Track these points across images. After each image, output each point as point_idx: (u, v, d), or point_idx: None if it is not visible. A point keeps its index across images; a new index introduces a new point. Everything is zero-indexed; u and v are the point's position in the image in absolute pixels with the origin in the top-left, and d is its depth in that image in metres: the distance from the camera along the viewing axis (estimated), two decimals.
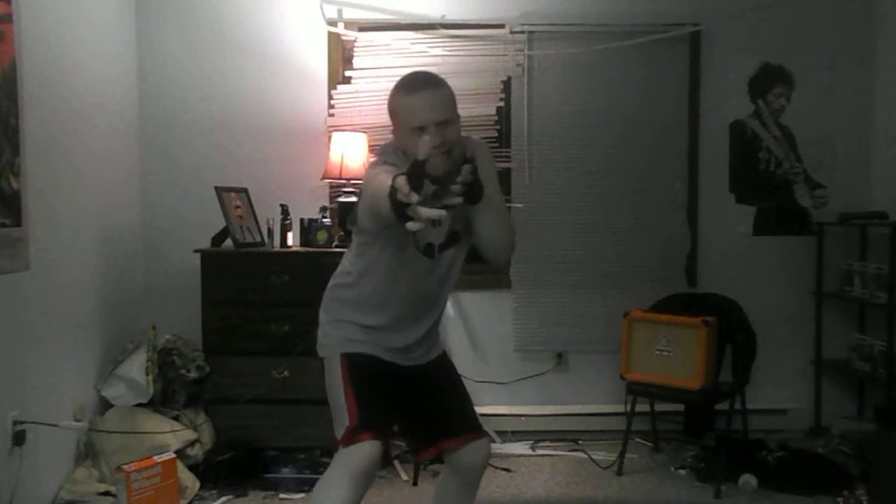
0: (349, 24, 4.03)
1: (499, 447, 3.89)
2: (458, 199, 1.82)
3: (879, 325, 3.78)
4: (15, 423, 2.77)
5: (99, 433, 3.25)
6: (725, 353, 3.58)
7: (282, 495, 3.25)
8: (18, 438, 2.78)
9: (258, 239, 3.76)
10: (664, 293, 3.86)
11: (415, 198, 1.67)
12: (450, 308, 3.96)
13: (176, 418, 3.44)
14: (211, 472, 3.38)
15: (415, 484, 3.43)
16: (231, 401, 3.50)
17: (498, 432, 4.00)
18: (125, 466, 2.98)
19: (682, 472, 3.60)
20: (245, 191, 3.82)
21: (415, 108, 2.07)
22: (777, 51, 4.12)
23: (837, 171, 4.17)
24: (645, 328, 3.57)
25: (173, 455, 3.16)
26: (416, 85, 2.11)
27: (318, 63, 4.03)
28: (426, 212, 1.71)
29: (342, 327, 2.25)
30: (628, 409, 3.60)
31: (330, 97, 4.01)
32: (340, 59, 4.05)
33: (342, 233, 3.62)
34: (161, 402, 3.48)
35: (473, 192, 1.90)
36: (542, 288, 4.13)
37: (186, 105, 4.03)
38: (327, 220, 3.70)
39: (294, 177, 4.00)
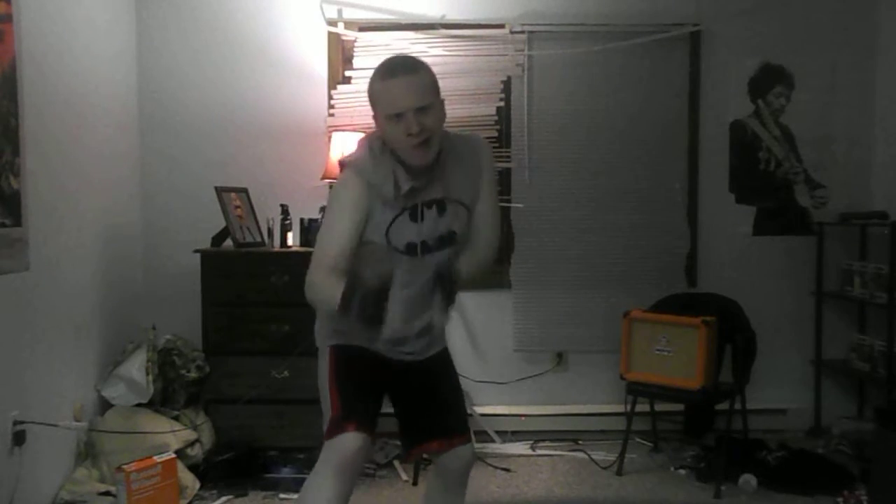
0: (349, 24, 4.03)
1: (499, 447, 3.89)
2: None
3: (879, 325, 3.78)
4: (15, 423, 2.76)
5: (99, 433, 3.25)
6: (725, 353, 3.58)
7: (282, 495, 3.25)
8: (18, 438, 2.77)
9: (258, 239, 3.77)
10: (664, 293, 3.86)
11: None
12: None
13: (176, 418, 3.44)
14: (211, 472, 3.38)
15: (415, 484, 3.44)
16: (231, 401, 3.50)
17: (498, 432, 3.99)
18: (125, 466, 2.98)
19: (682, 472, 3.60)
20: (245, 191, 3.82)
21: (391, 93, 1.99)
22: (777, 51, 4.12)
23: (837, 171, 4.17)
24: (645, 328, 3.57)
25: (173, 455, 3.15)
26: (394, 69, 2.02)
27: (318, 63, 4.03)
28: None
29: (332, 319, 2.18)
30: (628, 409, 3.60)
31: (330, 97, 4.01)
32: (340, 59, 4.05)
33: None
34: (161, 402, 3.48)
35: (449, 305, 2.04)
36: (542, 288, 4.13)
37: (186, 105, 4.03)
38: None
39: (294, 177, 4.00)
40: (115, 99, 3.78)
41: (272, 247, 3.76)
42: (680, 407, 3.97)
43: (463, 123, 3.91)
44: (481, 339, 4.13)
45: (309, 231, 3.68)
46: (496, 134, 4.07)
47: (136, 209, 4.00)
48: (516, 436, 4.04)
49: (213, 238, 3.69)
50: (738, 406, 3.53)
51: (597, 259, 4.13)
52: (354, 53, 4.03)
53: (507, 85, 4.07)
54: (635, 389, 3.58)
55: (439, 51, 4.01)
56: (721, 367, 3.58)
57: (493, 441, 3.94)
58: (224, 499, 3.25)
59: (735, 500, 3.28)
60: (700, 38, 4.09)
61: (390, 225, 2.06)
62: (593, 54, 4.06)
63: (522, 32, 4.04)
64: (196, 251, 3.59)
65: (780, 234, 4.19)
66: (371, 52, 4.01)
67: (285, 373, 3.49)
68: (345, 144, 3.74)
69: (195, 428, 3.45)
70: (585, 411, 4.08)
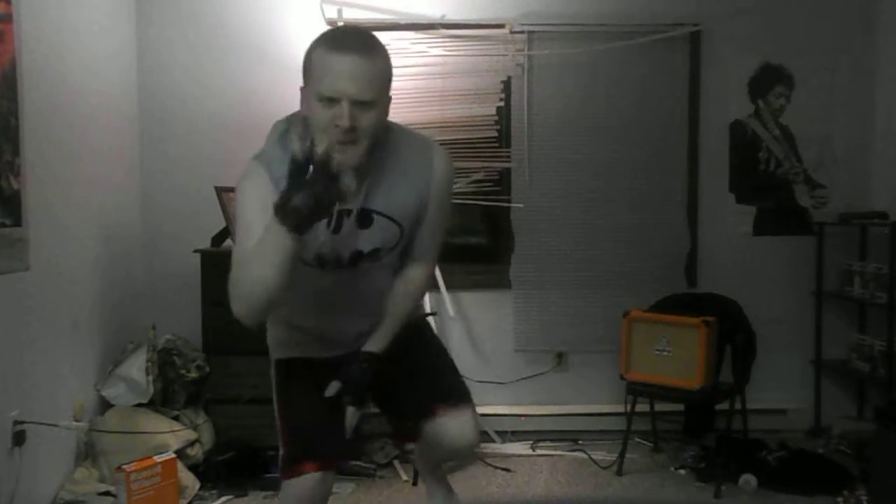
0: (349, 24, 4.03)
1: (499, 447, 3.89)
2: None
3: (879, 325, 3.78)
4: (15, 423, 2.76)
5: (99, 433, 3.25)
6: (725, 353, 3.58)
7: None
8: (18, 438, 2.77)
9: None
10: (664, 293, 3.86)
11: None
12: (450, 308, 3.96)
13: (176, 418, 3.43)
14: (211, 472, 3.38)
15: (415, 484, 3.43)
16: (231, 401, 3.50)
17: (498, 432, 4.00)
18: (125, 466, 2.98)
19: (682, 472, 3.60)
20: None
21: (332, 70, 1.61)
22: (777, 51, 4.12)
23: (837, 171, 4.17)
24: (645, 328, 3.57)
25: (173, 455, 3.15)
26: (344, 43, 1.63)
27: None
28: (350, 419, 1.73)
29: (277, 328, 2.01)
30: (628, 409, 3.60)
31: None
32: None
33: None
34: (161, 402, 3.48)
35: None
36: (542, 288, 4.13)
37: (186, 104, 4.03)
38: None
39: None
40: (115, 98, 3.78)
41: None
42: (680, 407, 3.97)
43: (463, 123, 3.91)
44: (481, 339, 4.13)
45: None
46: (496, 134, 4.07)
47: (135, 209, 4.00)
48: (516, 436, 4.04)
49: (213, 238, 3.69)
50: (738, 406, 3.53)
51: (597, 259, 4.13)
52: None
53: (507, 85, 4.07)
54: (635, 389, 3.58)
55: (439, 51, 4.01)
56: (721, 367, 3.58)
57: (493, 441, 3.94)
58: (224, 499, 3.25)
59: (735, 500, 3.28)
60: (700, 38, 4.09)
61: None
62: (593, 54, 4.06)
63: (522, 32, 4.03)
64: (196, 251, 3.59)
65: (780, 234, 4.18)
66: None
67: None
68: None
69: (195, 428, 3.45)
70: (585, 411, 4.08)
